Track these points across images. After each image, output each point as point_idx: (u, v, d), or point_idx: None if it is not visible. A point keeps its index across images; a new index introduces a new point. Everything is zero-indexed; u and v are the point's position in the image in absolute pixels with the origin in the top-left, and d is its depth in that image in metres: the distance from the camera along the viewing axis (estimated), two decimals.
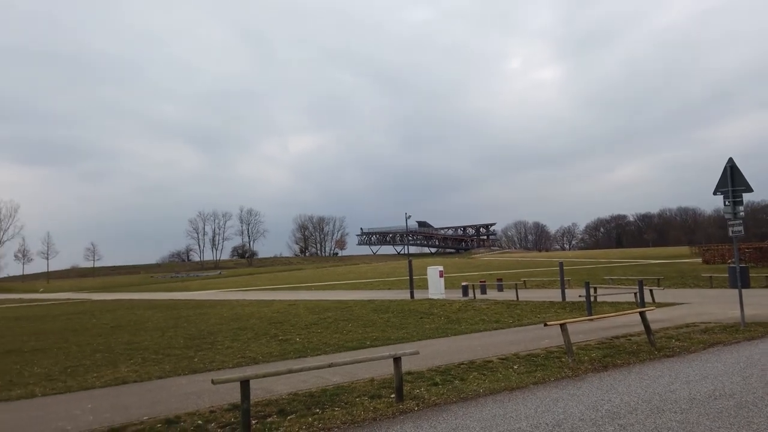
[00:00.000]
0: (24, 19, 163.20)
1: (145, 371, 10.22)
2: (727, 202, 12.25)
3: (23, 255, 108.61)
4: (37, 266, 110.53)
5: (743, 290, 13.02)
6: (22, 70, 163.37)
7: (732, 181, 12.08)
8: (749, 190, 12.05)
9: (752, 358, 8.78)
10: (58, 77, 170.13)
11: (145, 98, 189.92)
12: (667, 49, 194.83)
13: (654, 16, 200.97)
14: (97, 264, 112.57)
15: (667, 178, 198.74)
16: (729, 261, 38.39)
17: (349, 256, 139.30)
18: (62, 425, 6.70)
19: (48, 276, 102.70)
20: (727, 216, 12.42)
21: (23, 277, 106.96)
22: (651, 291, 18.64)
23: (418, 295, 24.71)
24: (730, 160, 12.18)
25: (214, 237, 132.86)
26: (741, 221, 12.30)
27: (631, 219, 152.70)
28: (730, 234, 12.47)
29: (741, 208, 12.21)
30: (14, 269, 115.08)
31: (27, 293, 67.58)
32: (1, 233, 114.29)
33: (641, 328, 10.60)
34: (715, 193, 12.45)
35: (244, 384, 6.14)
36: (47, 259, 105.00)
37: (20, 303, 44.10)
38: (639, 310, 10.91)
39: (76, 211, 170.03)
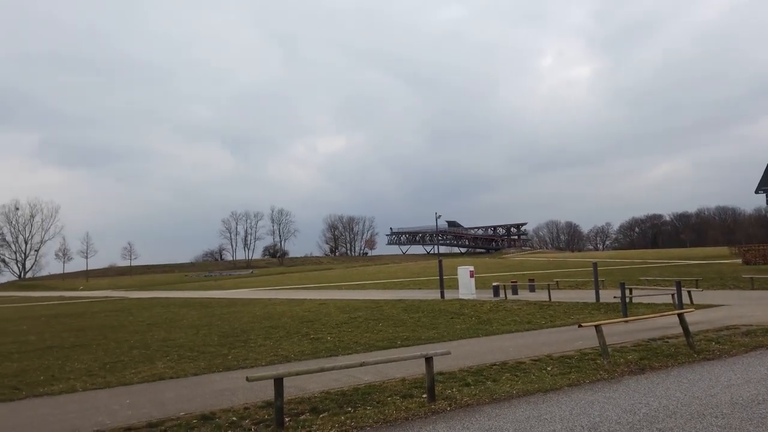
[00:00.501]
0: (61, 28, 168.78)
1: (181, 368, 10.43)
2: None
3: (63, 254, 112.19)
4: (76, 265, 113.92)
5: None
6: (63, 76, 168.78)
7: None
8: None
9: None
10: (94, 82, 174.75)
11: (179, 102, 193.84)
12: (705, 43, 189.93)
13: (692, 9, 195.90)
14: (134, 263, 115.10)
15: (705, 176, 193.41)
16: None
17: (379, 255, 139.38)
18: (102, 419, 6.89)
19: (87, 274, 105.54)
20: None
21: (63, 276, 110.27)
22: (689, 292, 18.13)
23: (449, 295, 24.58)
24: None
25: (246, 237, 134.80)
26: None
27: (668, 219, 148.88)
28: None
29: None
30: (55, 268, 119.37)
31: (67, 291, 69.76)
32: (43, 233, 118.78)
33: (679, 330, 10.33)
34: (756, 192, 12.09)
35: (278, 382, 6.22)
36: (86, 258, 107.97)
37: (61, 300, 45.56)
38: (677, 311, 10.64)
39: (113, 212, 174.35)
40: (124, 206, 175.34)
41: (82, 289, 73.08)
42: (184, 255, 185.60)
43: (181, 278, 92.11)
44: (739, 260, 45.81)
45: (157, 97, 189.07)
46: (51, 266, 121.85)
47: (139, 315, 24.23)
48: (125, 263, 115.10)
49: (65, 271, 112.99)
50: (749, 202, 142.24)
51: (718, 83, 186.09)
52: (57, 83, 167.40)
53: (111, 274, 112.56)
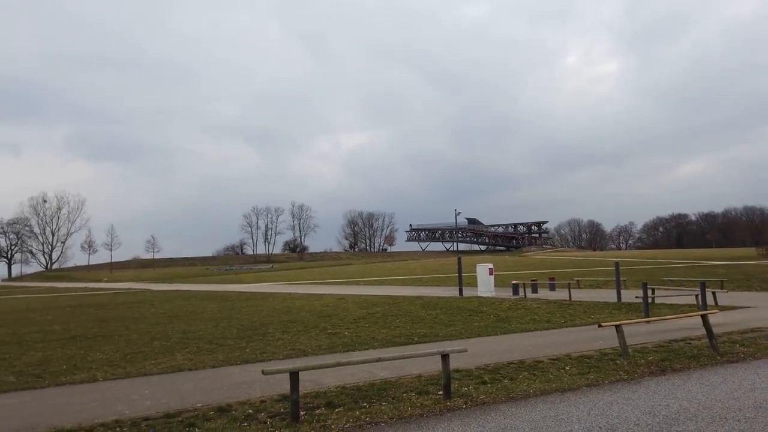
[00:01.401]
0: (90, 28, 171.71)
1: (200, 360, 10.55)
2: None
3: (89, 246, 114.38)
4: (101, 257, 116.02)
5: None
6: (91, 75, 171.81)
7: None
8: None
9: None
10: (121, 81, 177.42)
11: (205, 99, 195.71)
12: (735, 39, 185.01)
13: (722, 4, 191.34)
14: (157, 256, 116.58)
15: (733, 176, 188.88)
16: None
17: (398, 252, 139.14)
18: (121, 409, 6.99)
19: (111, 266, 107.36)
20: None
21: (88, 267, 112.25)
22: (714, 293, 17.78)
23: (467, 292, 24.48)
24: None
25: (266, 231, 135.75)
26: None
27: (693, 218, 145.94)
28: None
29: None
30: (80, 259, 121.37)
31: (92, 282, 71.17)
32: (69, 225, 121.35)
33: (702, 331, 10.12)
34: None
35: (294, 375, 6.24)
36: (111, 250, 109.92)
37: (85, 291, 46.49)
38: (701, 312, 10.43)
39: (138, 205, 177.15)
40: (148, 200, 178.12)
41: (106, 281, 74.46)
42: (206, 249, 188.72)
43: (202, 272, 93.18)
44: (767, 261, 44.79)
45: (182, 94, 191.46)
46: (76, 258, 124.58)
47: (161, 307, 24.59)
48: (148, 256, 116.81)
49: (90, 263, 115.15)
50: None
51: (747, 81, 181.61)
52: (85, 81, 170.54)
53: (134, 266, 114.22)
